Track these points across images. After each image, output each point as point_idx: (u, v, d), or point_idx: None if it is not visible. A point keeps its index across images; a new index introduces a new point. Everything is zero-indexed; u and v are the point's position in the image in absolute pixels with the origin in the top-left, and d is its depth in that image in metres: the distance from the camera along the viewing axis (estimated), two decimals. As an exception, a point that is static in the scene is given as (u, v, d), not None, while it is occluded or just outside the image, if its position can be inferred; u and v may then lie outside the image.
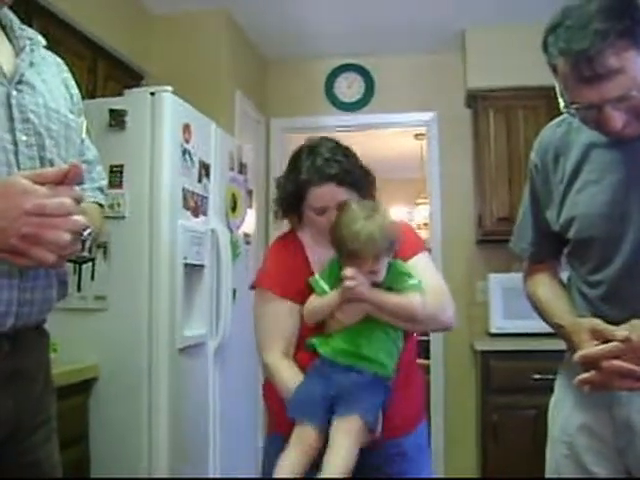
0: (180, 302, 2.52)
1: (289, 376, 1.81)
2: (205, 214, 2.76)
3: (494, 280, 3.82)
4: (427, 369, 4.32)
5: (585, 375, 1.36)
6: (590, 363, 1.35)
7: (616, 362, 1.31)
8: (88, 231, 1.21)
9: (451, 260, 4.26)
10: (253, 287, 1.98)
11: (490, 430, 3.50)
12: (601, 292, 1.55)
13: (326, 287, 1.83)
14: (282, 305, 1.89)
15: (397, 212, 8.00)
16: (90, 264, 2.44)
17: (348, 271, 1.72)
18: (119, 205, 2.42)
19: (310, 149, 1.93)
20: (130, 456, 2.41)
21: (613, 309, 1.50)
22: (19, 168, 1.23)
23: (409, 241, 1.94)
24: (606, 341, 1.36)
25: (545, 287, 1.71)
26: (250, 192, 3.36)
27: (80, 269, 2.45)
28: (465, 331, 4.13)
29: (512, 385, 3.41)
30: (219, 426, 2.85)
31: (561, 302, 1.64)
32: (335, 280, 1.81)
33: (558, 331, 1.59)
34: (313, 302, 1.84)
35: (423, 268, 1.92)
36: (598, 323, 1.41)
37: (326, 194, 1.85)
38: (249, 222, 3.34)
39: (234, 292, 2.98)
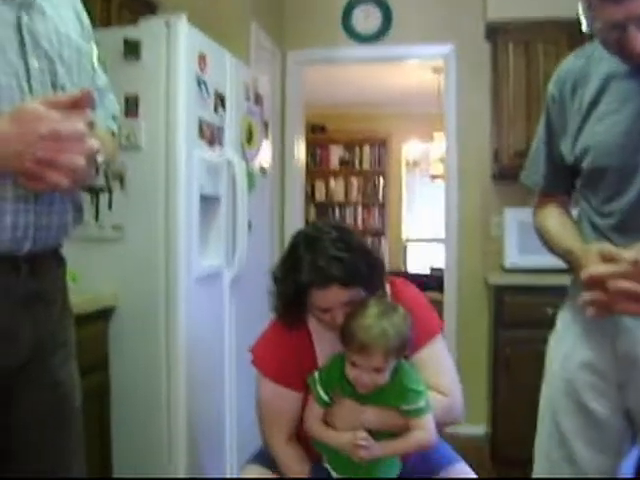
0: (196, 232, 2.54)
1: (294, 464, 1.91)
2: (221, 145, 2.76)
3: (509, 215, 3.81)
4: (440, 303, 4.36)
5: (590, 294, 1.36)
6: (597, 283, 1.34)
7: (623, 282, 1.31)
8: (102, 157, 1.22)
9: (467, 195, 4.24)
10: (253, 361, 1.98)
11: (502, 364, 3.55)
12: (613, 222, 1.55)
13: (325, 397, 1.83)
14: (285, 394, 1.90)
15: (413, 146, 7.96)
16: (107, 194, 2.46)
17: (361, 436, 1.73)
18: (135, 136, 2.42)
19: (309, 241, 1.82)
20: (149, 383, 2.48)
21: (624, 239, 1.50)
22: (32, 94, 1.23)
23: (424, 326, 1.88)
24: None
25: (554, 218, 1.71)
26: (266, 124, 3.35)
27: (97, 199, 2.48)
28: (479, 266, 4.15)
29: (525, 320, 3.44)
30: (235, 354, 2.91)
31: (570, 231, 1.64)
32: (335, 384, 1.82)
33: (566, 257, 1.59)
34: (316, 428, 1.84)
35: (434, 362, 1.90)
36: (607, 246, 1.41)
37: (330, 296, 1.77)
38: (265, 154, 3.34)
39: (250, 224, 3.01)
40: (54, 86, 1.30)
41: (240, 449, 2.97)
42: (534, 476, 1.75)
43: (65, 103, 1.13)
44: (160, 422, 2.47)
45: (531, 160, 1.80)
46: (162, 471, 2.48)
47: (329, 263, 1.74)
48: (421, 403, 1.78)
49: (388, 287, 1.94)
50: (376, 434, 1.78)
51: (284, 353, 1.91)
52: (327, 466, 1.89)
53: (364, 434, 1.74)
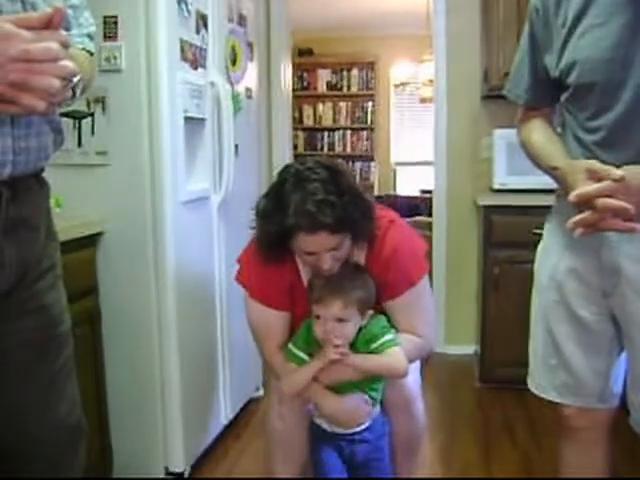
0: (181, 156, 2.51)
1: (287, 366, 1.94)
2: (204, 67, 2.70)
3: (499, 135, 3.78)
4: (429, 226, 4.37)
5: (578, 217, 1.38)
6: (584, 202, 1.36)
7: (610, 200, 1.32)
8: (78, 77, 1.19)
9: (456, 117, 4.20)
10: (238, 279, 2.04)
11: (491, 282, 3.59)
12: (598, 138, 1.55)
13: (304, 356, 1.91)
14: (272, 314, 1.97)
15: (402, 69, 7.84)
16: (89, 119, 2.42)
17: (334, 340, 1.81)
18: (115, 58, 2.36)
19: (298, 180, 1.74)
20: (139, 306, 2.49)
21: (609, 154, 1.50)
22: (0, 13, 1.19)
23: (403, 277, 1.92)
24: (601, 182, 1.37)
25: (539, 132, 1.70)
26: (251, 45, 3.27)
27: (80, 124, 2.43)
28: (468, 187, 4.15)
29: (514, 240, 3.46)
30: (225, 277, 2.93)
31: (556, 146, 1.64)
32: (311, 347, 1.90)
33: (552, 173, 1.59)
34: (294, 376, 1.90)
35: (410, 308, 1.95)
36: (594, 163, 1.42)
37: (317, 242, 1.73)
38: (250, 76, 3.27)
39: (237, 148, 2.97)
40: (24, 4, 1.25)
41: (232, 367, 3.02)
42: (531, 383, 1.82)
43: (36, 22, 1.08)
44: (152, 344, 2.50)
45: (514, 73, 1.77)
46: (154, 393, 2.53)
47: (319, 208, 1.68)
48: (387, 336, 1.88)
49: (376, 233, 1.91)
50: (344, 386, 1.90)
51: (268, 274, 1.93)
52: (319, 421, 1.97)
53: (337, 348, 1.83)
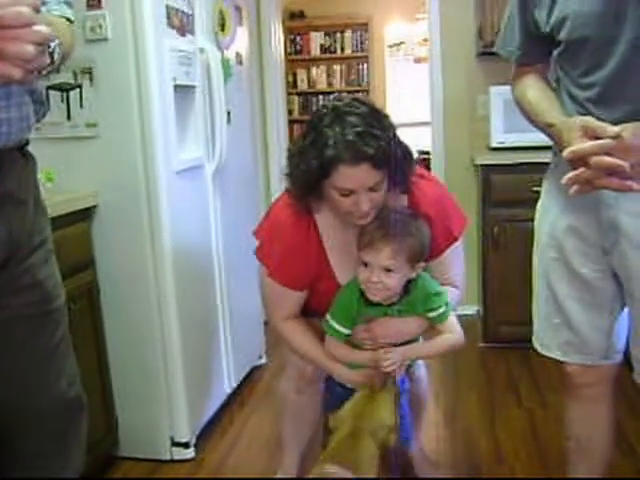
0: (172, 124, 2.47)
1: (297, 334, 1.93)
2: (192, 33, 2.64)
3: (495, 93, 3.72)
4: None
5: (572, 173, 1.35)
6: (579, 160, 1.33)
7: (605, 158, 1.29)
8: (55, 42, 1.15)
9: (451, 75, 4.13)
10: (258, 256, 1.93)
11: (491, 241, 3.58)
12: (592, 94, 1.51)
13: (345, 330, 1.83)
14: (288, 293, 1.89)
15: (396, 29, 7.74)
16: (77, 91, 2.38)
17: (384, 356, 1.76)
18: (100, 27, 2.30)
19: (337, 113, 1.62)
20: (137, 278, 2.48)
21: (603, 111, 1.47)
22: None
23: (444, 234, 1.86)
24: (597, 139, 1.34)
25: (534, 89, 1.66)
26: (239, 9, 3.20)
27: (68, 97, 2.39)
28: (466, 146, 4.11)
29: (513, 198, 3.44)
30: (222, 245, 2.91)
31: (551, 103, 1.60)
32: (354, 313, 1.82)
33: (548, 130, 1.56)
34: (340, 351, 1.87)
35: (450, 260, 1.92)
36: (590, 120, 1.38)
37: (358, 176, 1.60)
38: (241, 41, 3.21)
39: (229, 114, 2.93)
40: None
41: (233, 335, 3.02)
42: (535, 342, 1.82)
43: None
44: (152, 315, 2.49)
45: (505, 29, 1.72)
46: (157, 364, 2.53)
47: (361, 138, 1.57)
48: (443, 307, 1.83)
49: (412, 187, 1.83)
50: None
51: (292, 253, 1.85)
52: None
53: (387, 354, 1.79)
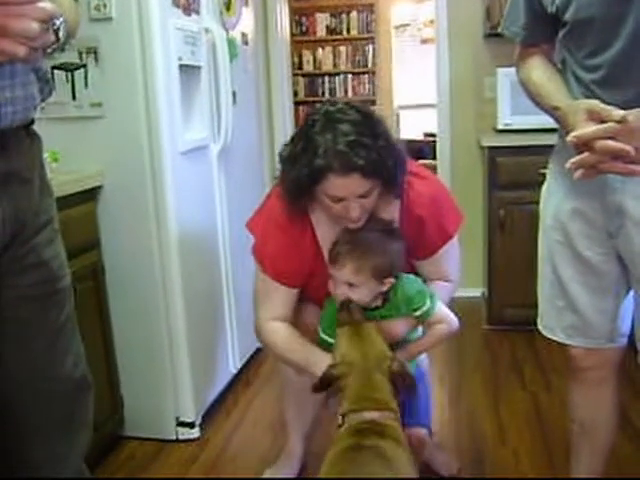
0: (178, 104, 2.47)
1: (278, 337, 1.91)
2: (198, 13, 2.63)
3: (502, 74, 3.69)
4: (434, 169, 4.32)
5: (577, 157, 1.34)
6: (584, 144, 1.32)
7: (610, 142, 1.28)
8: (60, 20, 1.14)
9: (458, 57, 4.11)
10: (253, 253, 1.92)
11: (497, 224, 3.57)
12: (598, 76, 1.49)
13: (332, 340, 1.79)
14: (281, 289, 1.88)
15: (402, 10, 7.68)
16: (82, 71, 2.37)
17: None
18: (105, 6, 2.29)
19: (328, 119, 1.61)
20: (142, 258, 2.48)
21: (609, 93, 1.45)
22: None
23: (438, 233, 1.86)
24: (602, 123, 1.32)
25: (539, 70, 1.64)
26: (245, -12, 3.19)
27: (73, 77, 2.38)
28: (472, 128, 4.09)
29: (519, 180, 3.42)
30: (227, 226, 2.91)
31: (556, 85, 1.58)
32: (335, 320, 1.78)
33: (553, 113, 1.54)
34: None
35: (444, 257, 1.91)
36: (595, 103, 1.37)
37: (348, 185, 1.60)
38: (246, 21, 3.19)
39: (234, 95, 2.92)
40: None
41: (238, 316, 3.02)
42: (540, 324, 1.81)
43: None
44: (157, 296, 2.50)
45: (510, 10, 1.70)
46: (162, 345, 2.53)
47: (351, 148, 1.57)
48: (427, 303, 1.81)
49: (405, 188, 1.81)
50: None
51: (284, 248, 1.85)
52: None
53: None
